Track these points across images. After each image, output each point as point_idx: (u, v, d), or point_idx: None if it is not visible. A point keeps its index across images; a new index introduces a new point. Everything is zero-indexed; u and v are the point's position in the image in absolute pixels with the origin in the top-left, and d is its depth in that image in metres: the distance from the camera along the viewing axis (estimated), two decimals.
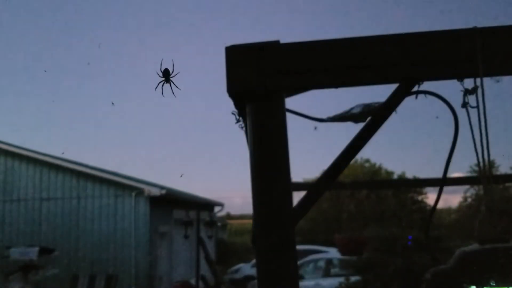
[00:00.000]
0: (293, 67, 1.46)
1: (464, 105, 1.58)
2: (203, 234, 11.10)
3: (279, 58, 1.46)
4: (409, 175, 24.20)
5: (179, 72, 1.80)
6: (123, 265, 12.22)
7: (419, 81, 1.53)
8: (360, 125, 1.59)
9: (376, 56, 1.44)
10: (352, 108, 2.01)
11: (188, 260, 14.76)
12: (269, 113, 1.45)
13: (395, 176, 24.71)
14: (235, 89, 1.46)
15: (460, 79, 1.51)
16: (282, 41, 1.46)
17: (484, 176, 1.67)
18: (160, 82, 1.80)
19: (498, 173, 13.42)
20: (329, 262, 13.55)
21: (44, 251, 10.68)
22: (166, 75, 1.78)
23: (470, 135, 1.58)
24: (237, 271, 17.04)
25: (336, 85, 1.49)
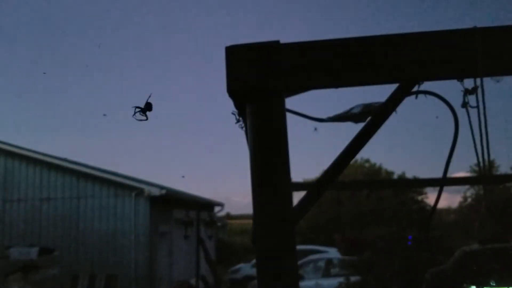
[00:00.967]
0: (293, 67, 1.46)
1: (464, 105, 1.58)
2: (203, 234, 11.10)
3: (279, 58, 1.46)
4: (409, 175, 24.19)
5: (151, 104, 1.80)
6: (123, 265, 12.21)
7: (419, 81, 1.53)
8: (360, 125, 1.59)
9: (376, 56, 1.44)
10: (352, 108, 2.01)
11: (188, 260, 14.75)
12: (269, 113, 1.45)
13: (395, 176, 24.70)
14: (235, 89, 1.46)
15: (460, 79, 1.51)
16: (282, 41, 1.46)
17: (484, 176, 1.67)
18: (136, 111, 1.78)
19: (498, 173, 13.43)
20: (329, 262, 13.55)
21: (44, 251, 10.68)
22: (145, 110, 1.79)
23: (470, 135, 1.58)
24: (237, 271, 17.04)
25: (336, 85, 1.49)
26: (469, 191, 23.58)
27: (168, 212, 14.09)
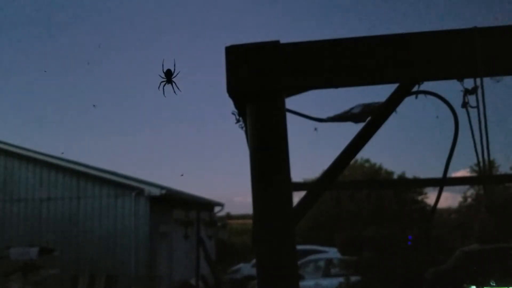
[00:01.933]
0: (293, 67, 1.46)
1: (464, 105, 1.58)
2: (203, 234, 11.10)
3: (279, 58, 1.46)
4: (409, 175, 24.19)
5: (179, 72, 1.81)
6: (123, 265, 12.22)
7: (419, 81, 1.53)
8: (360, 125, 1.59)
9: (376, 56, 1.44)
10: (352, 108, 2.01)
11: (188, 260, 14.75)
12: (269, 113, 1.45)
13: (395, 176, 24.69)
14: (235, 89, 1.46)
15: (460, 79, 1.51)
16: (282, 41, 1.46)
17: (484, 176, 1.67)
18: (161, 83, 1.81)
19: (498, 173, 13.41)
20: (329, 262, 13.55)
21: (44, 251, 10.68)
22: (168, 75, 1.79)
23: (470, 135, 1.58)
24: (237, 271, 17.03)
25: (336, 85, 1.49)
26: (469, 191, 23.59)
27: (168, 212, 14.09)
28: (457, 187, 23.35)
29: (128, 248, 12.40)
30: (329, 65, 1.46)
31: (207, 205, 18.57)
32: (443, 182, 1.92)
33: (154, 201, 12.70)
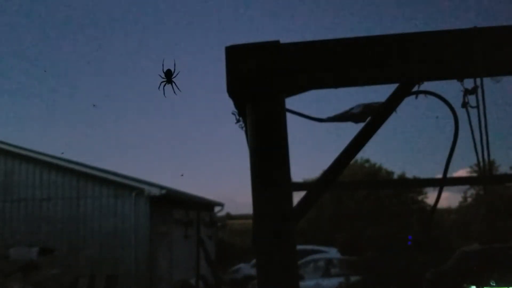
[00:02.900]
0: (293, 67, 1.46)
1: (464, 105, 1.58)
2: (203, 234, 11.10)
3: (279, 58, 1.46)
4: (409, 175, 24.18)
5: (179, 72, 1.81)
6: (123, 265, 12.21)
7: (419, 81, 1.53)
8: (360, 125, 1.59)
9: (376, 56, 1.44)
10: (352, 108, 2.01)
11: (188, 260, 14.74)
12: (269, 113, 1.45)
13: (395, 176, 24.68)
14: (235, 89, 1.46)
15: (460, 79, 1.51)
16: (282, 41, 1.46)
17: (484, 176, 1.67)
18: (162, 83, 1.81)
19: (498, 173, 13.42)
20: (329, 262, 13.54)
21: (44, 251, 10.68)
22: (168, 75, 1.80)
23: (470, 135, 1.58)
24: (237, 271, 17.02)
25: (336, 85, 1.49)
26: (469, 191, 23.57)
27: (168, 212, 14.08)
28: (457, 187, 23.34)
29: (128, 248, 12.39)
30: (329, 65, 1.46)
31: (207, 205, 18.57)
32: (443, 182, 1.92)
33: (154, 201, 12.70)
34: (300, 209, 1.49)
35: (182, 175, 15.23)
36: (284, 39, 1.46)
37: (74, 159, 13.82)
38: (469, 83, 1.53)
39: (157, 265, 12.93)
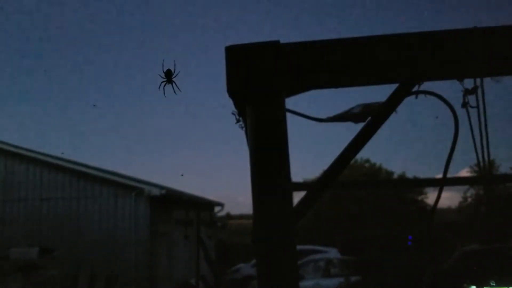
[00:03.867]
0: (293, 67, 1.46)
1: (464, 105, 1.58)
2: (203, 234, 11.09)
3: (279, 58, 1.46)
4: (409, 175, 24.19)
5: (180, 72, 1.82)
6: (123, 265, 12.21)
7: (419, 81, 1.53)
8: (360, 125, 1.59)
9: (376, 56, 1.44)
10: (352, 108, 2.01)
11: (188, 260, 14.74)
12: (269, 113, 1.45)
13: (395, 176, 24.69)
14: (235, 90, 1.46)
15: (460, 79, 1.51)
16: (282, 41, 1.46)
17: (484, 176, 1.67)
18: (162, 83, 1.82)
19: (498, 173, 13.42)
20: (329, 262, 13.55)
21: (44, 251, 10.68)
22: (168, 75, 1.80)
23: (470, 135, 1.58)
24: (237, 271, 17.03)
25: (336, 85, 1.49)
26: (469, 191, 23.58)
27: (168, 212, 14.08)
28: (457, 187, 23.35)
29: (128, 248, 12.40)
30: (329, 65, 1.46)
31: (207, 205, 18.57)
32: (443, 182, 1.92)
33: (154, 201, 12.70)
34: (300, 209, 1.49)
35: (182, 175, 15.21)
36: (284, 39, 1.46)
37: (74, 159, 13.84)
38: (469, 83, 1.53)
39: (157, 265, 12.93)
